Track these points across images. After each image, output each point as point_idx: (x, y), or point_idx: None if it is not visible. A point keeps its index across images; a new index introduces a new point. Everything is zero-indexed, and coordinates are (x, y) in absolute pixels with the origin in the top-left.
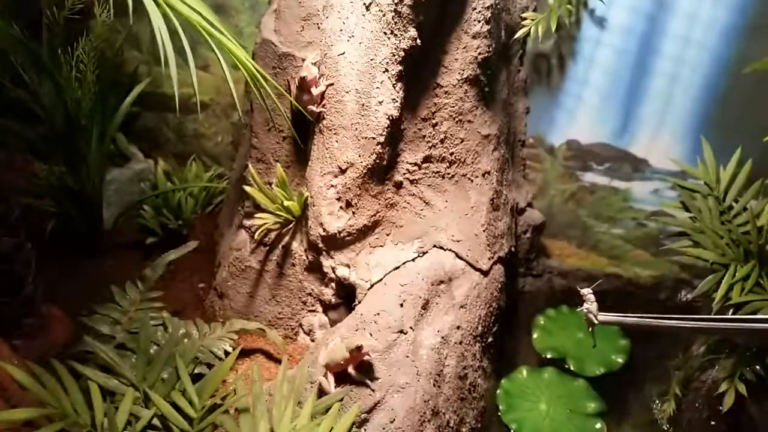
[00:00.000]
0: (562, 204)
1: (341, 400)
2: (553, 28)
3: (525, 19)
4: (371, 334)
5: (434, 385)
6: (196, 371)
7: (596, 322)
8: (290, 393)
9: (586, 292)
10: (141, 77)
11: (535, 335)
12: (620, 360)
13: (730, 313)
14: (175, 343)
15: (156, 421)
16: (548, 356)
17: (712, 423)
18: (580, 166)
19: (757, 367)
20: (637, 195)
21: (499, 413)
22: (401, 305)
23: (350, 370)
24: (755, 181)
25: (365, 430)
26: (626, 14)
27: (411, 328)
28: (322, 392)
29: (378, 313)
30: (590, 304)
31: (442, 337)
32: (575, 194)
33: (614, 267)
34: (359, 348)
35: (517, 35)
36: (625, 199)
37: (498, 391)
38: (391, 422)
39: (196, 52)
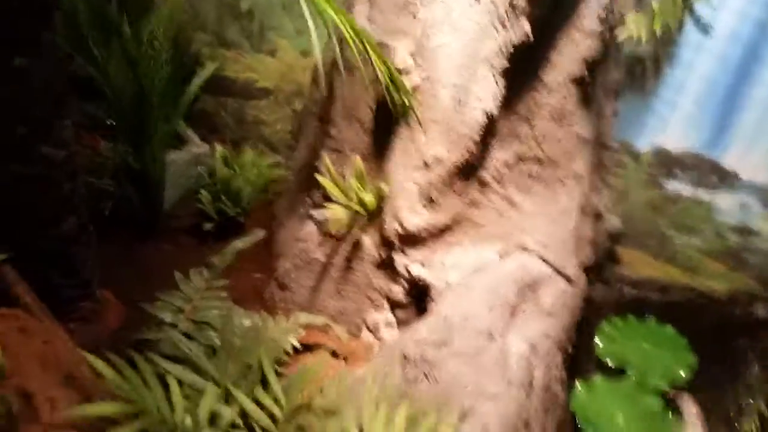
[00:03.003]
0: (642, 212)
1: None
2: (658, 32)
3: (626, 20)
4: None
5: (525, 396)
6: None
7: None
8: (380, 396)
9: None
10: (204, 59)
11: (599, 342)
12: (685, 375)
13: None
14: (255, 339)
15: (237, 420)
16: (609, 363)
17: None
18: (665, 173)
19: None
20: (722, 207)
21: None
22: (490, 309)
23: None
24: None
25: None
26: (734, 19)
27: (500, 334)
28: None
29: (465, 317)
30: None
31: (531, 346)
32: (656, 202)
33: (688, 279)
34: None
35: (620, 38)
36: (708, 210)
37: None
38: None
39: (264, 36)
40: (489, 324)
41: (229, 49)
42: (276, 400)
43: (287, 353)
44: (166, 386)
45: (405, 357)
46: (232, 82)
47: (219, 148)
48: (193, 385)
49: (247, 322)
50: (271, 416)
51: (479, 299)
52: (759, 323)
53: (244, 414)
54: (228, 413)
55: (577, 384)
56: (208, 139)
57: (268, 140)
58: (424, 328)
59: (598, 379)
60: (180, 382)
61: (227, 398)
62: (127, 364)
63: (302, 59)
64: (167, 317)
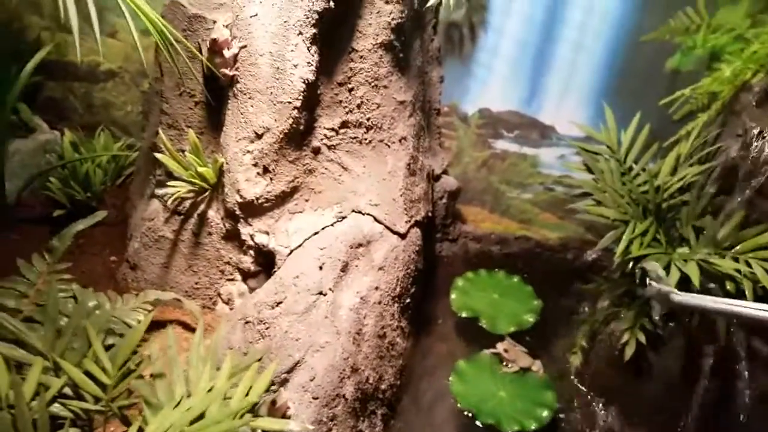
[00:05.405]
0: (476, 171)
1: (260, 359)
2: None
3: None
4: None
5: (353, 344)
6: (109, 342)
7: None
8: (207, 355)
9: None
10: (44, 44)
11: (453, 296)
12: (531, 319)
13: (629, 266)
14: (86, 313)
15: (67, 390)
16: (464, 315)
17: (616, 372)
18: (492, 133)
19: (655, 317)
20: (545, 161)
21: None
22: (320, 268)
23: None
24: (652, 144)
25: (286, 389)
26: None
27: (330, 289)
28: None
29: (297, 276)
30: (659, 281)
31: (361, 298)
32: (487, 161)
33: (524, 230)
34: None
35: (429, 3)
36: (533, 165)
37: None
38: (311, 380)
39: (103, 18)
40: (319, 281)
41: (69, 33)
42: (104, 369)
43: None
44: None
45: (245, 321)
46: (76, 67)
47: (68, 134)
48: (22, 360)
49: (92, 303)
50: (101, 384)
51: (311, 259)
52: (588, 266)
53: (75, 384)
54: (56, 384)
55: (450, 378)
56: (58, 126)
57: (120, 123)
58: (262, 292)
59: (461, 364)
60: (10, 361)
61: (56, 371)
62: None
63: (144, 39)
64: (10, 303)
